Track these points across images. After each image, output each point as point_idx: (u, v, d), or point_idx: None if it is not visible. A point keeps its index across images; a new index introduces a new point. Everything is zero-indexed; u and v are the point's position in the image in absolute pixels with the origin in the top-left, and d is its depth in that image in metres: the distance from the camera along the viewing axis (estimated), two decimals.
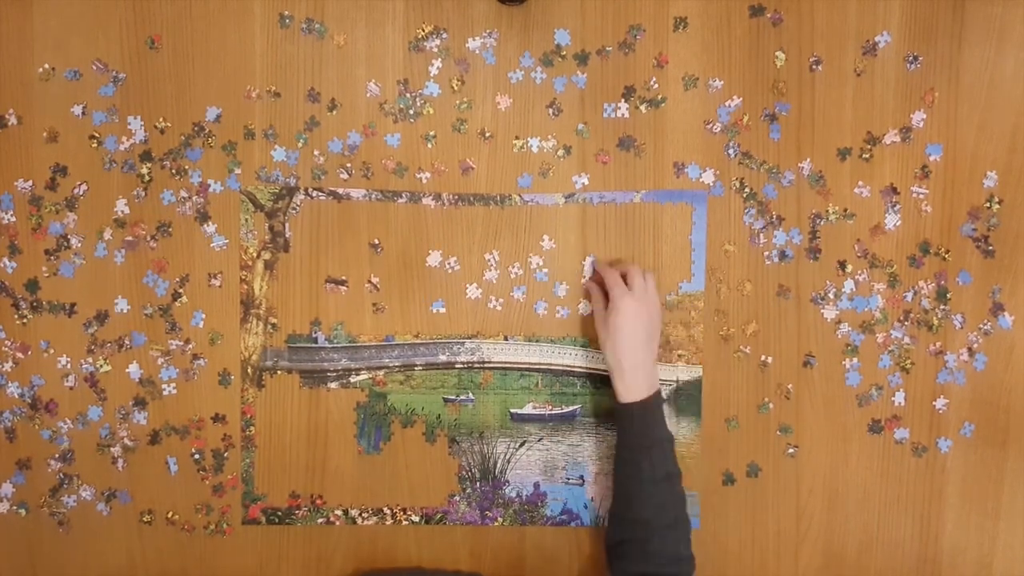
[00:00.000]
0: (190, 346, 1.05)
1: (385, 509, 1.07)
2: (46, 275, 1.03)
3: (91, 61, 1.02)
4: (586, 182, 1.05)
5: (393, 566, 1.07)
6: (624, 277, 1.00)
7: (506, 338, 1.06)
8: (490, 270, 1.05)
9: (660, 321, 1.01)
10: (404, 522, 1.08)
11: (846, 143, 1.05)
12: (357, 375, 1.06)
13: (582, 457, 1.08)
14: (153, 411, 1.05)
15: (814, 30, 1.04)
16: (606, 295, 1.01)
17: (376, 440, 1.07)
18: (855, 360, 1.07)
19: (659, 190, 1.05)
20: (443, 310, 1.05)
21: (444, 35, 1.03)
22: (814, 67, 1.04)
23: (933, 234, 1.06)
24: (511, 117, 1.04)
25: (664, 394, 1.07)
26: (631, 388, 0.96)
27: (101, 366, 1.04)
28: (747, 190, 1.05)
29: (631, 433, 0.97)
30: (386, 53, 1.03)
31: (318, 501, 1.07)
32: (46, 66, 1.02)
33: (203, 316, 1.04)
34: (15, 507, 1.06)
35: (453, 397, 1.07)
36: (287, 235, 1.05)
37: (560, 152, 1.05)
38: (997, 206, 1.06)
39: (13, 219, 1.03)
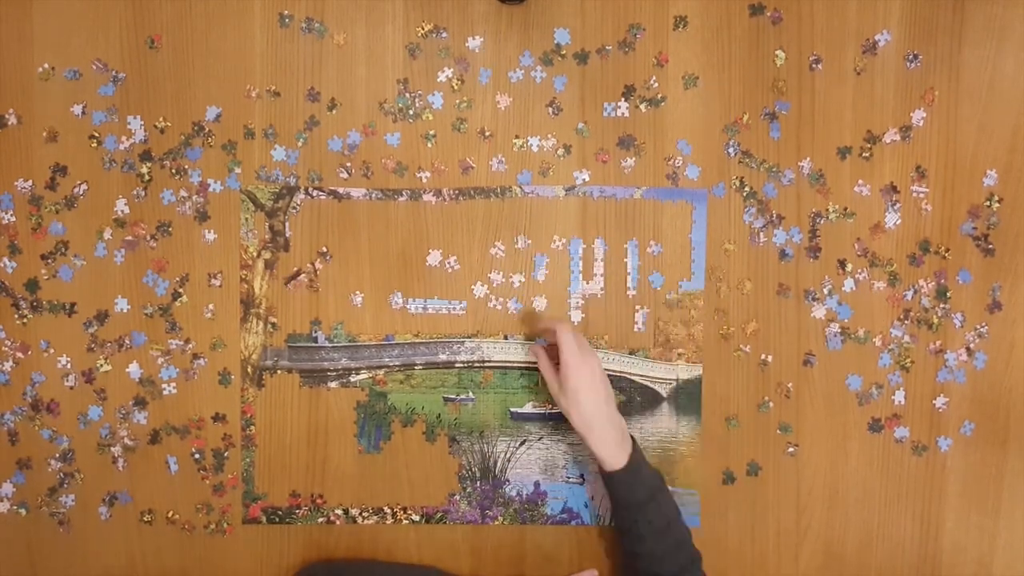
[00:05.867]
0: (190, 346, 1.05)
1: (385, 508, 1.07)
2: (45, 276, 1.03)
3: (91, 61, 1.02)
4: (586, 179, 1.05)
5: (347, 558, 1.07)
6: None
7: (506, 337, 1.06)
8: (490, 270, 1.05)
9: (604, 373, 0.98)
10: (404, 521, 1.08)
11: (846, 142, 1.05)
12: (357, 374, 1.06)
13: (582, 456, 1.07)
14: (153, 411, 1.05)
15: (814, 29, 1.04)
16: (551, 361, 0.99)
17: (376, 439, 1.07)
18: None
19: (659, 188, 1.05)
20: (451, 310, 1.06)
21: (444, 34, 1.03)
22: (814, 66, 1.04)
23: (933, 233, 1.06)
24: (511, 116, 1.04)
25: (664, 393, 1.07)
26: (611, 450, 0.94)
27: (101, 366, 1.04)
28: (747, 189, 1.05)
29: (623, 496, 0.95)
30: (386, 52, 1.03)
31: (318, 500, 1.07)
32: (46, 66, 1.02)
33: (203, 315, 1.04)
34: (15, 507, 1.06)
35: (453, 396, 1.07)
36: (287, 235, 1.05)
37: (560, 151, 1.05)
38: (997, 205, 1.06)
39: (13, 219, 1.03)
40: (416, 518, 1.08)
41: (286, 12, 1.02)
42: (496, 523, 1.08)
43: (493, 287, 1.06)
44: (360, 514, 1.07)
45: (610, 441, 0.95)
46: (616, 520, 0.99)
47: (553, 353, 1.00)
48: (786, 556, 1.09)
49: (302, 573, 1.04)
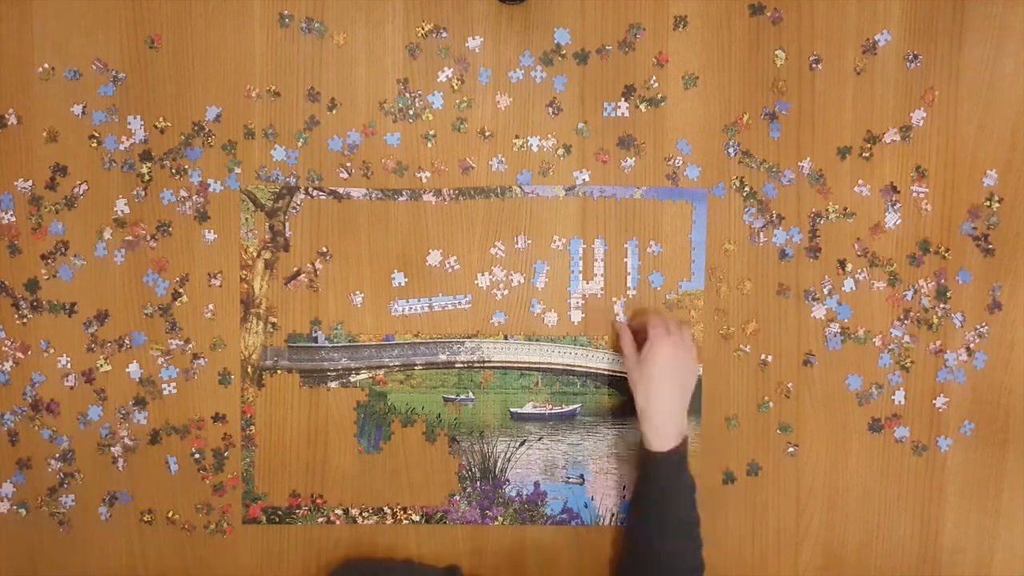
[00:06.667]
0: (190, 346, 1.05)
1: (385, 508, 1.07)
2: (45, 276, 1.03)
3: (91, 61, 1.02)
4: (586, 179, 1.05)
5: (379, 557, 1.07)
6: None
7: (506, 337, 1.06)
8: (490, 271, 1.05)
9: (695, 374, 1.00)
10: (404, 521, 1.08)
11: (846, 142, 1.05)
12: (357, 374, 1.06)
13: (582, 456, 1.08)
14: (153, 411, 1.05)
15: (814, 29, 1.04)
16: (636, 340, 1.00)
17: (376, 439, 1.07)
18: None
19: (659, 188, 1.05)
20: (455, 306, 1.06)
21: (444, 34, 1.03)
22: (814, 66, 1.04)
23: (933, 233, 1.06)
24: (511, 116, 1.04)
25: None
26: (660, 437, 0.95)
27: (101, 366, 1.04)
28: (747, 189, 1.05)
29: (654, 480, 0.96)
30: (386, 53, 1.03)
31: (318, 500, 1.07)
32: (46, 66, 1.02)
33: (203, 315, 1.04)
34: (15, 507, 1.06)
35: (453, 396, 1.07)
36: (287, 235, 1.05)
37: (560, 151, 1.05)
38: (997, 205, 1.06)
39: (13, 219, 1.03)
40: (416, 518, 1.08)
41: (286, 12, 1.02)
42: (496, 523, 1.08)
43: (493, 285, 1.06)
44: (360, 514, 1.07)
45: (661, 434, 0.95)
46: (635, 510, 0.99)
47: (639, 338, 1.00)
48: (786, 556, 1.09)
49: (336, 572, 1.04)
